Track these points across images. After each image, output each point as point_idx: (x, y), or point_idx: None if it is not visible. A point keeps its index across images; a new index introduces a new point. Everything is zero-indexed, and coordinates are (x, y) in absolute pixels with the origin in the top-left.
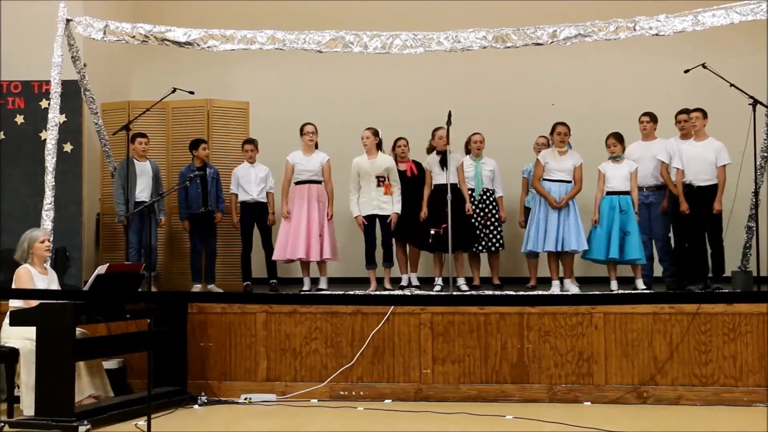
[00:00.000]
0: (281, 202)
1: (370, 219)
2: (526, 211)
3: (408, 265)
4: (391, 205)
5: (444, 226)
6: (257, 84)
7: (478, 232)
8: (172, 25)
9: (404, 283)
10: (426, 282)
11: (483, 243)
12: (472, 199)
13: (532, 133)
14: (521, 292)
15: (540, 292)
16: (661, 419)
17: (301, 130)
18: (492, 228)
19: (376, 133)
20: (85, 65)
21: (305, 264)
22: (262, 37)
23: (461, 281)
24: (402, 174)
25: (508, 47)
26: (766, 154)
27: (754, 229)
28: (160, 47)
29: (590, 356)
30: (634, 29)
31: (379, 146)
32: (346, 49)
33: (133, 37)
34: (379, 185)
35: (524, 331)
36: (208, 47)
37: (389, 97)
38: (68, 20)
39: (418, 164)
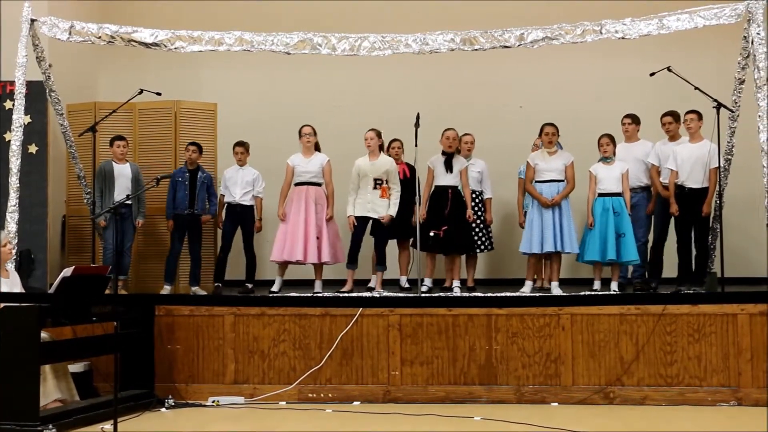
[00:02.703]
0: (278, 205)
1: (362, 220)
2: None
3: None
4: (385, 208)
5: (444, 228)
6: (225, 85)
7: (474, 236)
8: (139, 26)
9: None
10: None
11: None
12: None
13: (511, 134)
14: (489, 294)
15: (508, 294)
16: (627, 419)
17: (299, 132)
18: (479, 230)
19: (379, 134)
20: (50, 66)
21: (318, 267)
22: (230, 39)
23: (456, 283)
24: None
25: (476, 50)
26: (729, 157)
27: (718, 230)
28: (126, 48)
29: (557, 357)
30: (601, 32)
31: (381, 147)
32: (314, 50)
33: (99, 37)
34: (375, 187)
35: (492, 332)
36: (175, 48)
37: (360, 99)
38: (33, 20)
39: (410, 167)
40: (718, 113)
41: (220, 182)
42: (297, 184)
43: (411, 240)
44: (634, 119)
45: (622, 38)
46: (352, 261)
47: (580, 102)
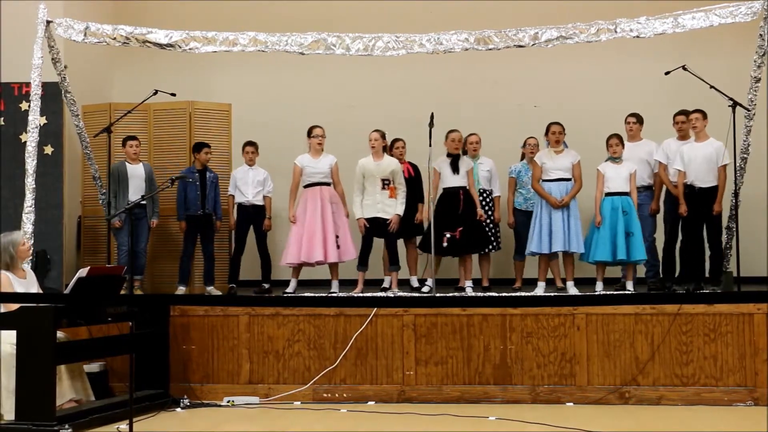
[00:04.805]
0: (289, 206)
1: (373, 221)
2: (515, 212)
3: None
4: (394, 208)
5: (459, 229)
6: (239, 86)
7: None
8: (154, 27)
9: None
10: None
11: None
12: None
13: (518, 134)
14: (504, 293)
15: (523, 294)
16: (642, 419)
17: (310, 132)
18: (488, 229)
19: (383, 135)
20: (65, 67)
21: (334, 266)
22: (244, 39)
23: (468, 284)
24: None
25: (490, 49)
26: (745, 156)
27: (734, 229)
28: (141, 49)
29: (572, 357)
30: (615, 31)
31: (385, 148)
32: (328, 51)
33: (114, 38)
34: (384, 188)
35: (507, 332)
36: (189, 49)
37: (373, 98)
38: (48, 21)
39: (413, 165)
40: (734, 112)
41: (230, 182)
42: (307, 186)
43: (418, 239)
44: (639, 119)
45: (637, 37)
46: (363, 263)
47: (589, 101)
